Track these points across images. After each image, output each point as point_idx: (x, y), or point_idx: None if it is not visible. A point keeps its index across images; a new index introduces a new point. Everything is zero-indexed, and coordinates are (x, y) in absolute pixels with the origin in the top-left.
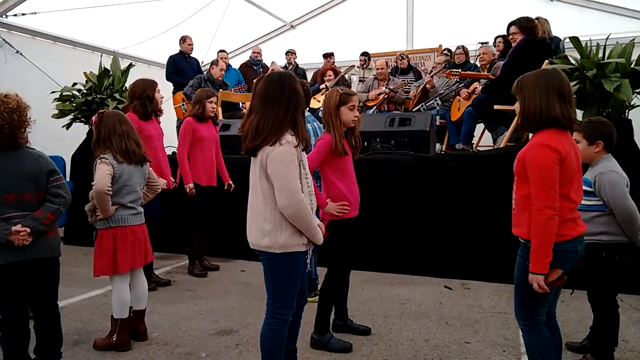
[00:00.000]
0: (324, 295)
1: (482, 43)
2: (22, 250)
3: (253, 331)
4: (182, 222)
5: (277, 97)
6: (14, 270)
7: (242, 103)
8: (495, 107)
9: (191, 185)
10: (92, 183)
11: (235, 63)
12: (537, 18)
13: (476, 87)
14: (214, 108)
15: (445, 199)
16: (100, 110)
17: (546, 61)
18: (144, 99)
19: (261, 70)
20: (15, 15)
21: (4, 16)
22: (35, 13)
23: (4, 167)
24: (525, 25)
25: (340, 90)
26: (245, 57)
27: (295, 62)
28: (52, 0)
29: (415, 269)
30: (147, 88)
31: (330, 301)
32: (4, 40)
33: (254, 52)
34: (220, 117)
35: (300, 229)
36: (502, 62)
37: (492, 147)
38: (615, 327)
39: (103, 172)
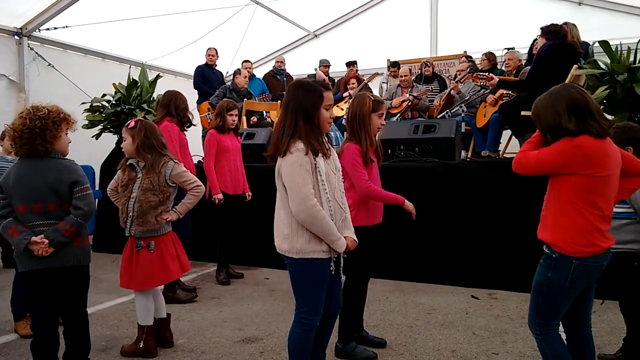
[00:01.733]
0: (343, 303)
1: (508, 49)
2: (44, 259)
3: (277, 339)
4: (209, 230)
5: (285, 106)
6: (38, 277)
7: (267, 112)
8: (523, 112)
9: (220, 196)
10: (195, 184)
11: (260, 73)
12: (566, 23)
13: (503, 93)
14: (234, 120)
15: (471, 206)
16: (137, 118)
17: (575, 66)
18: (178, 110)
19: (285, 79)
20: (48, 29)
21: (37, 30)
22: (66, 27)
23: (29, 177)
24: (549, 29)
25: (371, 97)
26: (269, 67)
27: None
28: (82, 15)
29: (440, 278)
30: (185, 100)
31: (348, 309)
32: (37, 53)
33: (277, 62)
34: (245, 126)
35: (317, 234)
36: (529, 68)
37: None
38: None
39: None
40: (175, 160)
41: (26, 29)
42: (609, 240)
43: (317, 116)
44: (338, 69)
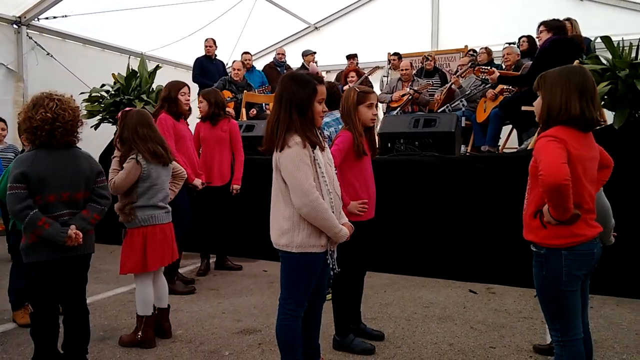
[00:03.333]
0: (337, 297)
1: (509, 43)
2: (71, 248)
3: None
4: (203, 222)
5: (278, 98)
6: (59, 266)
7: (266, 104)
8: (523, 108)
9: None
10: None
11: (260, 65)
12: (568, 19)
13: (503, 88)
14: (187, 100)
15: (470, 201)
16: (126, 109)
17: (576, 61)
18: (167, 100)
19: (285, 71)
20: (47, 18)
21: (36, 19)
22: (65, 16)
23: (61, 166)
24: (552, 24)
25: (357, 89)
26: (269, 59)
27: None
28: (82, 4)
29: (438, 272)
30: (170, 90)
31: (343, 302)
32: (35, 42)
33: (278, 54)
34: (244, 117)
35: (320, 227)
36: (530, 63)
37: (517, 149)
38: None
39: (129, 172)
40: (136, 156)
41: (25, 17)
42: (593, 228)
43: (311, 109)
44: (339, 62)
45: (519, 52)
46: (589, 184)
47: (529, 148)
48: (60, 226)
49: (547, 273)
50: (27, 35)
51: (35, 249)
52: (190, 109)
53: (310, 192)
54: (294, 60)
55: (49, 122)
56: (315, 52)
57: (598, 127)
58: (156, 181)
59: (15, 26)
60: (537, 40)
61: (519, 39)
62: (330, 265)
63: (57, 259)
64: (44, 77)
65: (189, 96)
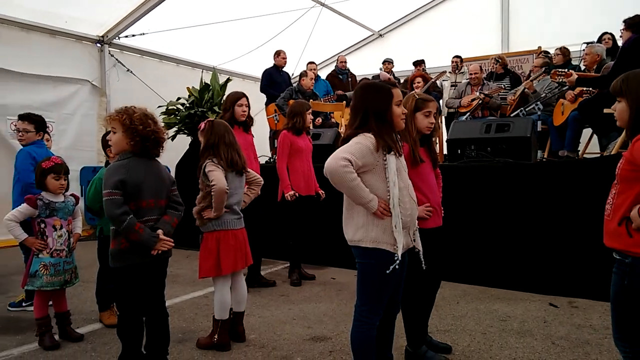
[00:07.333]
0: (409, 307)
1: (588, 43)
2: (155, 251)
3: (346, 339)
4: (280, 229)
5: (354, 109)
6: (144, 269)
7: (331, 112)
8: (605, 110)
9: (292, 192)
10: (212, 184)
11: (325, 74)
12: None
13: (582, 90)
14: (311, 119)
15: (548, 210)
16: (209, 119)
17: None
18: (225, 110)
19: (348, 79)
20: (127, 36)
21: (117, 38)
22: (143, 34)
23: (150, 175)
24: (635, 21)
25: (416, 95)
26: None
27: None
28: (158, 22)
29: (515, 284)
30: (227, 100)
31: (415, 313)
32: (116, 60)
33: (339, 62)
34: (311, 126)
35: (347, 195)
36: (612, 63)
37: (600, 154)
38: None
39: (219, 173)
40: (213, 160)
41: (107, 36)
42: None
43: (390, 113)
44: (404, 68)
45: (600, 52)
46: None
47: (612, 153)
48: (150, 230)
49: (630, 283)
50: (109, 53)
51: (125, 253)
52: (251, 118)
53: (340, 160)
54: (359, 68)
55: (156, 133)
56: (391, 61)
57: None
58: (229, 186)
59: (98, 45)
60: (619, 39)
61: (601, 36)
62: (398, 268)
63: (143, 262)
64: (125, 92)
65: (247, 107)
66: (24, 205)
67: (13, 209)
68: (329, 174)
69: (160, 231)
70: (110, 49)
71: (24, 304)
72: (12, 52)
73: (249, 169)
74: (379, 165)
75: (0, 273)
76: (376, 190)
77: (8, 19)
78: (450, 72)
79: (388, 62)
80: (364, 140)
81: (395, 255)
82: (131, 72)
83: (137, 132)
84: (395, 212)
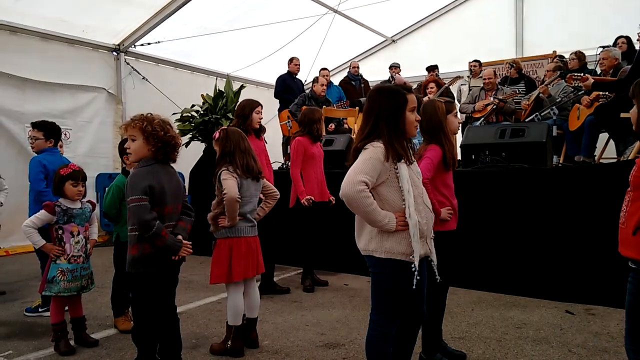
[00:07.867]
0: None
1: (604, 47)
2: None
3: (359, 346)
4: (293, 235)
5: (367, 113)
6: (161, 275)
7: (344, 118)
8: (622, 115)
9: (308, 197)
10: (223, 192)
11: (337, 80)
12: None
13: (598, 94)
14: (260, 119)
15: (565, 216)
16: (224, 127)
17: None
18: (240, 117)
19: (361, 85)
20: (142, 45)
21: (133, 46)
22: (158, 42)
23: (171, 181)
24: None
25: (441, 99)
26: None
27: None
28: (172, 30)
29: (530, 290)
30: (244, 107)
31: (431, 319)
32: (132, 68)
33: (352, 68)
34: (323, 132)
35: (363, 218)
36: (629, 67)
37: (617, 160)
38: None
39: (232, 182)
40: (229, 168)
41: (123, 45)
42: None
43: (402, 120)
44: (417, 74)
45: (617, 56)
46: None
47: (629, 158)
48: (177, 238)
49: None
50: (125, 61)
51: (147, 259)
52: (262, 126)
53: (356, 182)
54: (373, 74)
55: (174, 139)
56: (398, 65)
57: None
58: (245, 194)
59: (114, 53)
60: (636, 42)
61: (616, 39)
62: (418, 279)
63: (162, 268)
64: (140, 99)
65: (262, 115)
66: (42, 211)
67: (29, 216)
68: (346, 199)
69: (180, 237)
70: (126, 57)
71: (40, 310)
72: (31, 61)
73: (265, 180)
74: (392, 175)
75: (16, 279)
76: (392, 201)
77: (27, 28)
78: (469, 76)
79: (395, 67)
80: (374, 154)
81: (413, 265)
82: (147, 79)
83: (158, 138)
84: (413, 221)
